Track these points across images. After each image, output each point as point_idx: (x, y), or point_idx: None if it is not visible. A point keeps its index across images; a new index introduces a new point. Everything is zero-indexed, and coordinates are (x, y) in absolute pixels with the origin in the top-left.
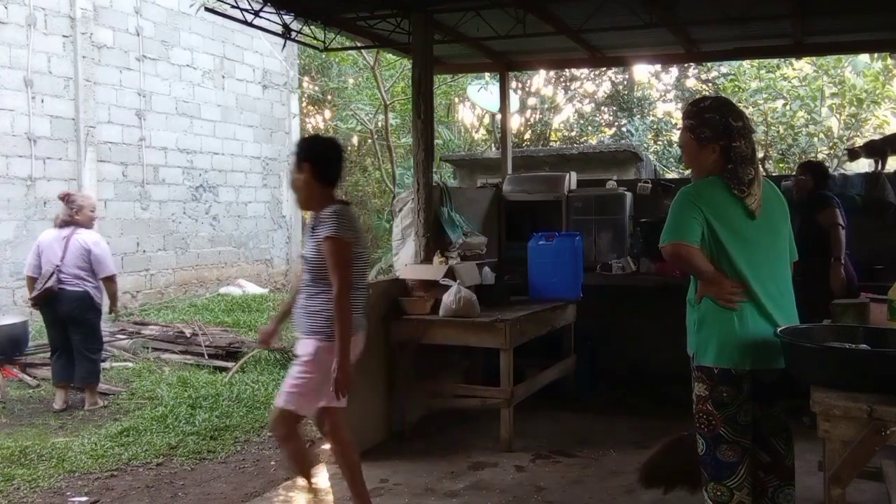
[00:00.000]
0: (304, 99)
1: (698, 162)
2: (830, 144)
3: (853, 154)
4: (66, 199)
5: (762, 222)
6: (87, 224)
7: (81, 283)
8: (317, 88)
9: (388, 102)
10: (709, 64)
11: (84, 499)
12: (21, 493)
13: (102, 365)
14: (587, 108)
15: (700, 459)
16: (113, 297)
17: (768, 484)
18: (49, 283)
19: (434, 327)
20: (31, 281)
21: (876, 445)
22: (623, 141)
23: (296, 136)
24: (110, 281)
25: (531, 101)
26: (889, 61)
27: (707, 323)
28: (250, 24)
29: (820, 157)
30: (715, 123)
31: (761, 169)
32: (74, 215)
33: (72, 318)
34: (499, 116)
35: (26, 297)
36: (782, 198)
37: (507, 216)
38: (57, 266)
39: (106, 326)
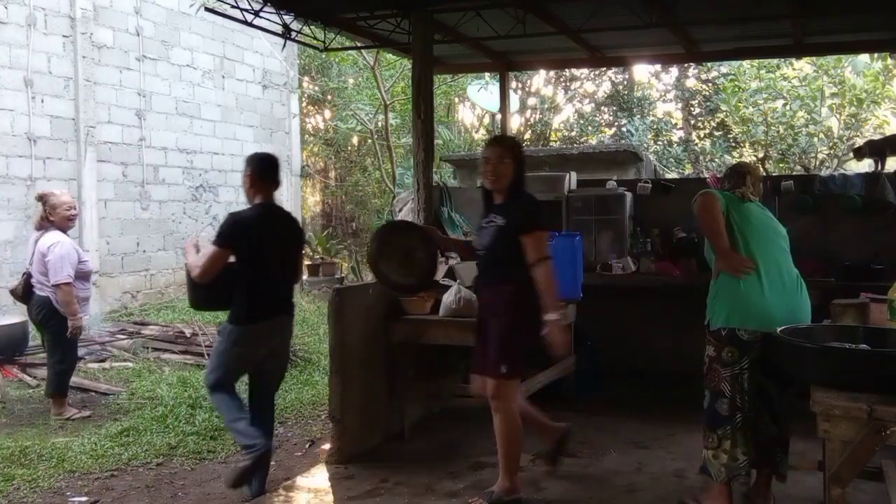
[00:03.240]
0: (304, 99)
1: None
2: (830, 144)
3: (859, 153)
4: (41, 199)
5: (768, 223)
6: (63, 225)
7: (44, 287)
8: (317, 88)
9: (388, 102)
10: (709, 64)
11: (84, 499)
12: (21, 493)
13: (102, 365)
14: (587, 108)
15: (704, 412)
16: (66, 308)
17: (775, 454)
18: (12, 286)
19: (434, 327)
20: None
21: (876, 445)
22: (623, 141)
23: (296, 136)
24: (59, 289)
25: (531, 101)
26: (889, 61)
27: (720, 295)
28: (250, 24)
29: (820, 157)
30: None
31: (750, 187)
32: (48, 216)
33: (37, 322)
34: (499, 116)
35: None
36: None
37: None
38: (27, 270)
39: (106, 326)
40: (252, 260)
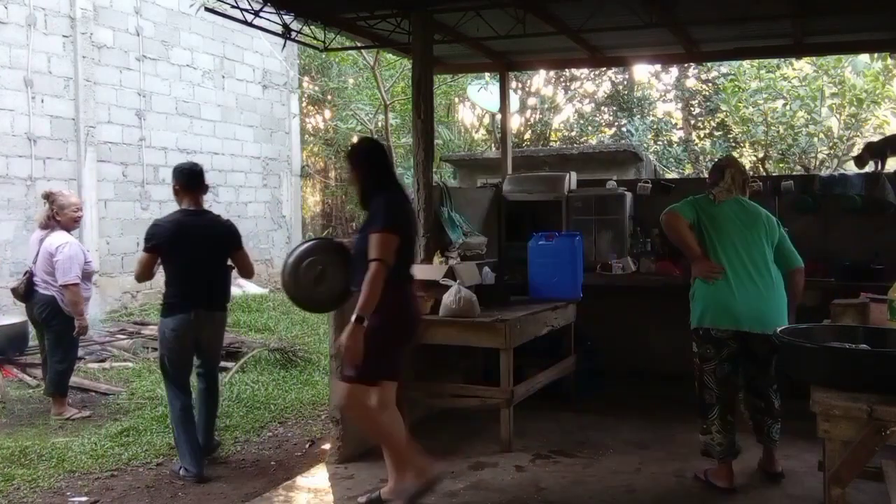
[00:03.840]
0: (304, 99)
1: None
2: (830, 144)
3: (860, 161)
4: (48, 198)
5: (742, 227)
6: (69, 225)
7: (49, 287)
8: (317, 88)
9: (388, 102)
10: (709, 64)
11: (84, 499)
12: (21, 493)
13: (102, 365)
14: (587, 108)
15: (696, 401)
16: (74, 308)
17: (763, 423)
18: (14, 285)
19: (434, 327)
20: None
21: (876, 445)
22: (623, 141)
23: (296, 136)
24: (67, 290)
25: (531, 101)
26: (889, 61)
27: (696, 297)
28: (250, 24)
29: (820, 157)
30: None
31: (728, 183)
32: (55, 216)
33: (41, 321)
34: (499, 116)
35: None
36: (764, 215)
37: (507, 216)
38: (30, 269)
39: (106, 326)
40: (171, 259)
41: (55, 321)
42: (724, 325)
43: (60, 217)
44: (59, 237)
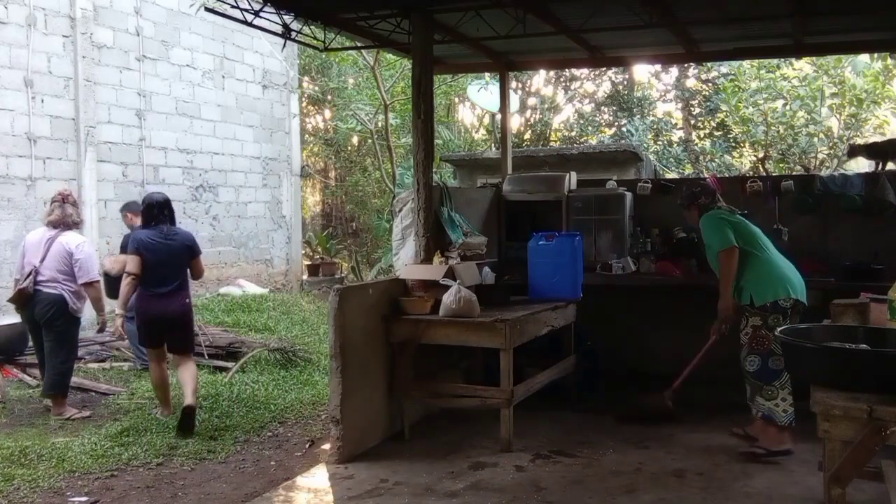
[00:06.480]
0: (304, 99)
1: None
2: (830, 144)
3: (853, 151)
4: (68, 199)
5: (755, 225)
6: (76, 225)
7: (58, 286)
8: (317, 88)
9: (388, 102)
10: (709, 64)
11: (84, 499)
12: (21, 493)
13: (102, 365)
14: (587, 108)
15: (755, 374)
16: (96, 304)
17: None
18: (23, 285)
19: (434, 327)
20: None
21: (876, 445)
22: (623, 141)
23: (296, 136)
24: (91, 287)
25: (531, 101)
26: (889, 61)
27: (754, 281)
28: (250, 24)
29: (820, 157)
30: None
31: (722, 200)
32: (74, 215)
33: (44, 321)
34: (499, 116)
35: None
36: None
37: (507, 216)
38: (35, 267)
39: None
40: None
41: (59, 321)
42: (793, 294)
43: (81, 217)
44: (75, 236)
